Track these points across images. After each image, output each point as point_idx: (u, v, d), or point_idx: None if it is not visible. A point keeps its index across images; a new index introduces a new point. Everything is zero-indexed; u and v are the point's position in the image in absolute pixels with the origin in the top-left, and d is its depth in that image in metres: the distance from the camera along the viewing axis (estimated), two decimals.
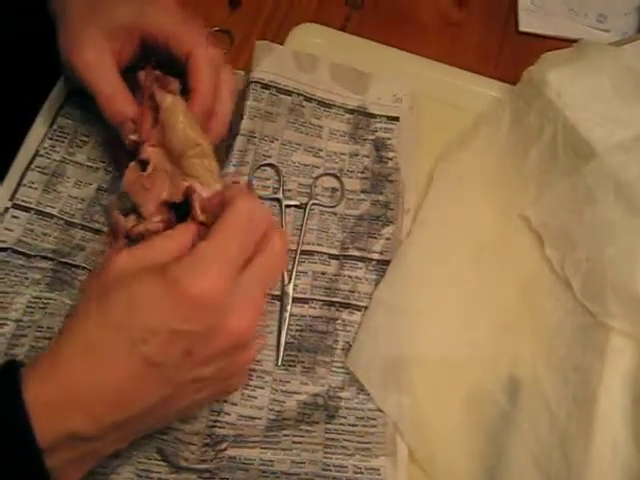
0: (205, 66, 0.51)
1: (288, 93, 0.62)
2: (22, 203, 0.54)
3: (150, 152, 0.48)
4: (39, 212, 0.54)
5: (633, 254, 0.52)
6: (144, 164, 0.49)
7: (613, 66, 0.60)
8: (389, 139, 0.61)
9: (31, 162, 0.56)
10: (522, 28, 0.71)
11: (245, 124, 0.59)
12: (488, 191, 0.60)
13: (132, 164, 0.49)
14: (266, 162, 0.59)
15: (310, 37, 0.67)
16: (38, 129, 0.57)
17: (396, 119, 0.62)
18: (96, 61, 0.50)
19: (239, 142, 0.58)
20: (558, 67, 0.59)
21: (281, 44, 0.65)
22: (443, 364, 0.53)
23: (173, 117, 0.47)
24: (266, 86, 0.61)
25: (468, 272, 0.57)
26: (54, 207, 0.55)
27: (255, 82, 0.61)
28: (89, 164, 0.57)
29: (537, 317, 0.55)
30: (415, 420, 0.51)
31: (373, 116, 0.62)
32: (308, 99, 0.62)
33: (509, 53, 0.70)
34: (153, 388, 0.39)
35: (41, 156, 0.56)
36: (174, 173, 0.48)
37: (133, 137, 0.49)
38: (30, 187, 0.55)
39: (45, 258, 0.52)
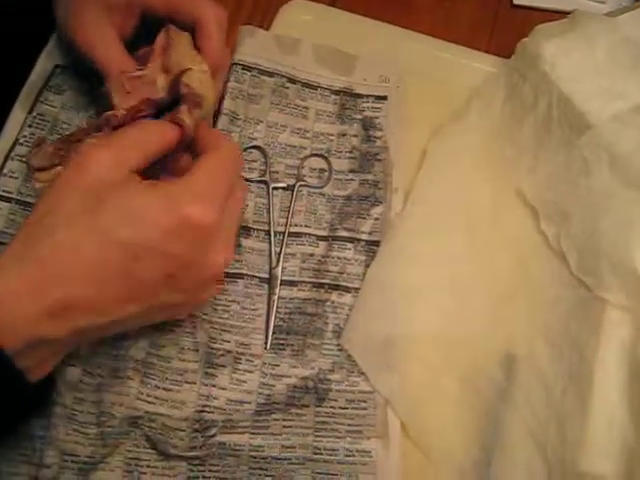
0: (214, 26, 0.54)
1: (270, 75, 0.64)
2: (3, 193, 0.56)
3: (151, 67, 0.51)
4: (20, 202, 0.56)
5: (628, 226, 0.54)
6: None
7: (608, 37, 0.61)
8: (377, 118, 0.63)
9: (11, 151, 0.57)
10: (516, 1, 0.73)
11: (227, 104, 0.61)
12: (482, 166, 0.62)
13: None
14: (252, 144, 0.61)
15: (300, 14, 0.69)
16: (17, 117, 0.59)
17: (384, 98, 0.65)
18: (100, 37, 0.52)
19: (222, 122, 0.60)
20: (552, 39, 0.61)
21: (270, 22, 0.68)
22: (438, 342, 0.55)
23: (182, 37, 0.52)
24: (248, 68, 0.63)
25: (463, 248, 0.59)
26: (35, 197, 0.57)
27: (236, 64, 0.63)
28: None
29: (533, 292, 0.57)
30: (410, 399, 0.53)
31: (360, 96, 0.65)
32: (292, 81, 0.64)
33: (503, 27, 0.72)
34: (126, 301, 0.42)
35: (21, 144, 0.58)
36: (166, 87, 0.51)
37: (139, 70, 0.52)
38: (10, 177, 0.57)
39: None
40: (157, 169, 0.47)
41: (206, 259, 0.44)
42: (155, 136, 0.46)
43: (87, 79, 0.60)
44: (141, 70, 0.52)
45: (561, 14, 0.69)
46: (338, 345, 0.55)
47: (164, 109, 0.50)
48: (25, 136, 0.58)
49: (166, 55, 0.52)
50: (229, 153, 0.47)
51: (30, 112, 0.59)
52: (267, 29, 0.68)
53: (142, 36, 0.55)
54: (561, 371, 0.53)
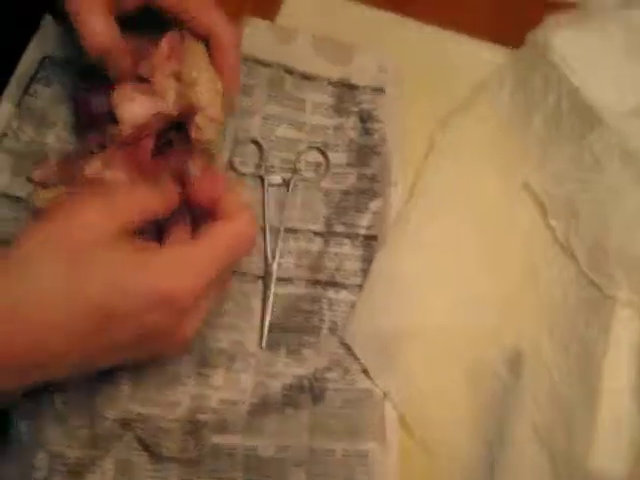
0: (232, 47, 0.56)
1: (267, 65, 0.65)
2: None
3: (159, 75, 0.53)
4: (8, 196, 0.57)
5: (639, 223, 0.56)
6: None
7: (621, 28, 0.62)
8: (375, 110, 0.65)
9: None
10: None
11: None
12: (490, 158, 0.63)
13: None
14: (247, 137, 0.62)
15: (306, 2, 0.71)
16: (4, 109, 0.60)
17: (381, 90, 0.66)
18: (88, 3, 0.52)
19: None
20: (563, 29, 0.62)
21: (277, 8, 0.70)
22: (443, 336, 0.57)
23: (198, 47, 0.54)
24: (244, 58, 0.63)
25: (470, 242, 0.60)
26: (23, 191, 0.57)
27: None
28: (59, 145, 0.59)
29: (540, 288, 0.59)
30: (414, 393, 0.55)
31: (357, 87, 0.66)
32: (289, 71, 0.65)
33: (511, 16, 0.73)
34: (92, 359, 0.45)
35: (9, 138, 0.59)
36: (178, 100, 0.53)
37: (143, 73, 0.54)
38: None
39: None
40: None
41: (178, 329, 0.46)
42: (156, 199, 0.48)
43: (77, 71, 0.62)
44: (148, 81, 0.54)
45: (570, 3, 0.71)
46: (334, 343, 0.56)
47: (173, 125, 0.52)
48: (12, 129, 0.59)
49: (181, 64, 0.53)
50: (241, 229, 0.48)
51: (18, 105, 0.60)
52: (273, 17, 0.70)
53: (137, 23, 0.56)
54: (568, 369, 0.55)
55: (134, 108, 0.53)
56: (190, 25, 0.55)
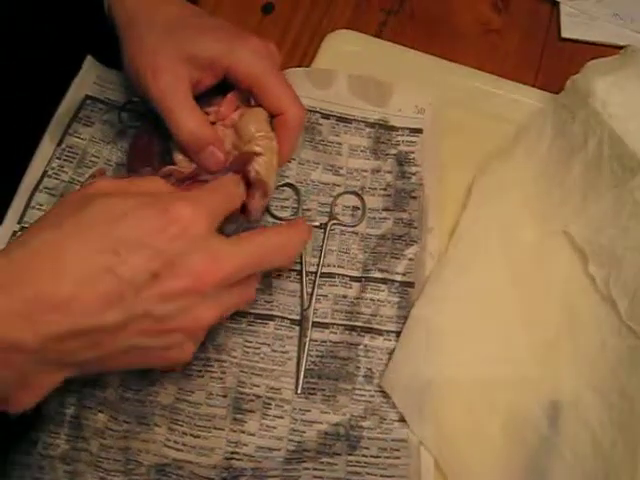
0: (297, 130, 0.58)
1: None
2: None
3: (220, 125, 0.56)
4: None
5: None
6: None
7: None
8: (412, 153, 0.66)
9: (39, 183, 0.60)
10: (564, 34, 0.76)
11: None
12: (529, 205, 0.64)
13: None
14: (284, 182, 0.64)
15: (345, 44, 0.73)
16: (45, 148, 0.62)
17: (419, 131, 0.67)
18: (172, 86, 0.54)
19: None
20: (604, 75, 0.63)
21: (315, 51, 0.72)
22: (481, 385, 0.57)
23: (261, 111, 0.57)
24: None
25: (508, 289, 0.61)
26: None
27: None
28: None
29: (579, 338, 0.59)
30: (451, 445, 0.55)
31: (395, 129, 0.67)
32: (325, 116, 0.67)
33: (551, 60, 0.75)
34: (106, 303, 0.41)
35: (49, 177, 0.61)
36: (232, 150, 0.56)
37: (211, 117, 0.56)
38: (39, 209, 0.59)
39: None
40: None
41: (192, 262, 0.44)
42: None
43: (117, 111, 0.64)
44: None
45: (610, 48, 0.73)
46: (370, 390, 0.57)
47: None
48: (54, 168, 0.62)
49: (241, 120, 0.56)
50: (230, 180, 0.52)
51: (59, 144, 0.63)
52: (311, 58, 0.72)
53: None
54: (610, 421, 0.55)
55: None
56: (262, 102, 0.57)
